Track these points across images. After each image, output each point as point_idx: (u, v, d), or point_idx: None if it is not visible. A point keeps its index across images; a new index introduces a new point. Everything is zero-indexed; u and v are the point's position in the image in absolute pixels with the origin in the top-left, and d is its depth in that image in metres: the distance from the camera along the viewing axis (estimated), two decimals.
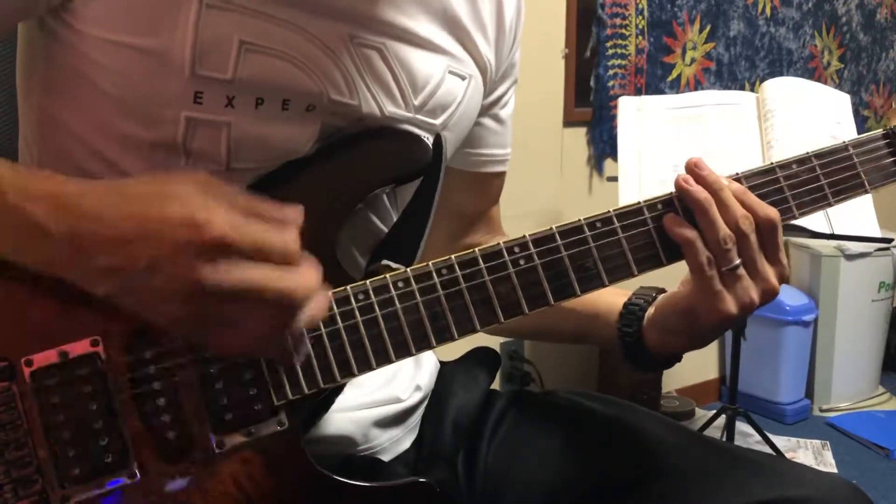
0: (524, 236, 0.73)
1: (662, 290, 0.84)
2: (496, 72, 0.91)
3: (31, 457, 0.63)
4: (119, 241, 0.57)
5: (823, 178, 0.80)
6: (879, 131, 0.83)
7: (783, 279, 0.76)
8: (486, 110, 0.93)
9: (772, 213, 0.74)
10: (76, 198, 0.59)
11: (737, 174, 0.77)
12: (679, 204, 0.75)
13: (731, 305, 0.73)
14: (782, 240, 0.75)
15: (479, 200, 1.02)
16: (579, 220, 0.74)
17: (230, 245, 0.57)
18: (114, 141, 0.72)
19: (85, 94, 0.72)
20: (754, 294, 0.74)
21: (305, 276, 0.61)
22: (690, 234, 0.73)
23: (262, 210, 0.60)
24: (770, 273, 0.74)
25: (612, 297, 0.86)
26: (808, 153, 0.80)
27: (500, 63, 0.91)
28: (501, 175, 1.02)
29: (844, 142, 0.81)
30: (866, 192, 0.81)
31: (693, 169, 0.75)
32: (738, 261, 0.73)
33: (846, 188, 0.81)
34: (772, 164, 0.78)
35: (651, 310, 0.83)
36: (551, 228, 0.73)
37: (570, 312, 0.86)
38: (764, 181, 0.78)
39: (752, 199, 0.75)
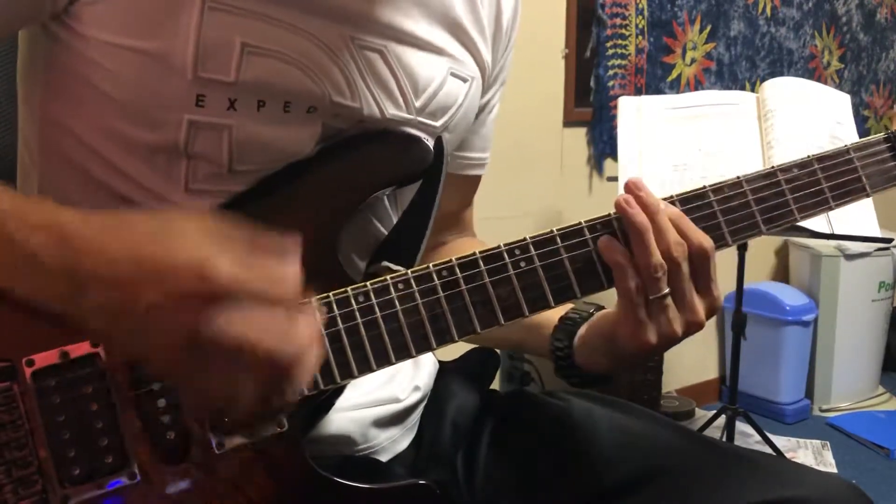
0: (524, 238, 0.73)
1: (601, 308, 0.83)
2: (491, 74, 0.91)
3: (32, 457, 0.63)
4: (119, 281, 0.55)
5: (825, 181, 0.79)
6: (881, 135, 0.83)
7: (713, 311, 0.74)
8: (477, 114, 0.93)
9: (705, 241, 0.73)
10: (76, 230, 0.57)
11: (738, 177, 0.77)
12: (617, 225, 0.74)
13: (651, 336, 0.72)
14: (715, 271, 0.74)
15: (455, 202, 1.01)
16: (580, 222, 0.74)
17: (230, 301, 0.55)
18: (115, 144, 0.72)
19: (86, 96, 0.72)
20: (678, 326, 0.72)
21: (302, 333, 0.58)
22: (622, 259, 0.72)
23: (263, 245, 0.58)
24: (698, 305, 0.73)
25: (551, 310, 0.86)
26: (809, 156, 0.80)
27: (495, 65, 0.92)
28: (479, 178, 1.02)
29: (846, 145, 0.81)
30: (867, 195, 0.81)
31: (632, 189, 0.73)
32: (666, 290, 0.71)
33: (847, 191, 0.80)
34: (773, 167, 0.78)
35: (584, 327, 0.83)
36: (552, 231, 0.73)
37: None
38: (765, 184, 0.78)
39: (688, 224, 0.73)
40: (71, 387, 0.64)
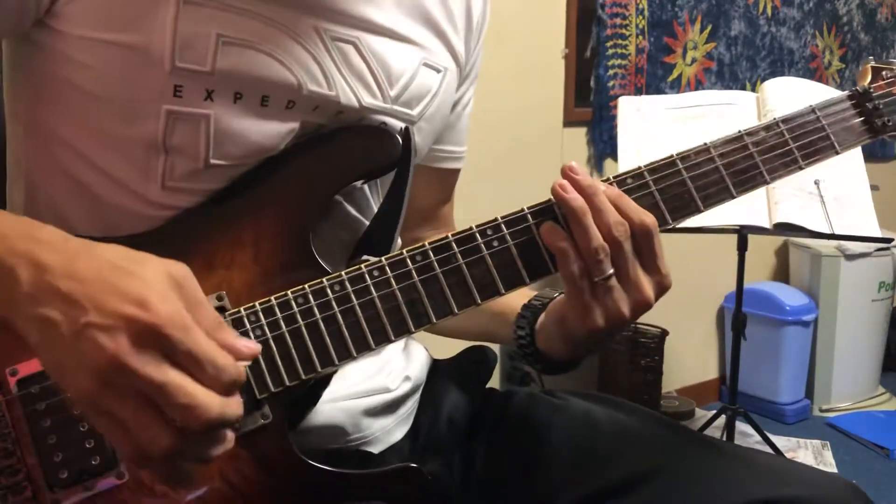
0: (496, 218, 0.73)
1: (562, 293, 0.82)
2: (465, 67, 0.93)
3: (21, 464, 0.63)
4: (65, 296, 0.55)
5: (792, 141, 0.79)
6: (845, 93, 0.83)
7: (662, 289, 0.73)
8: (452, 108, 0.94)
9: (647, 218, 0.72)
10: (48, 245, 0.58)
11: (704, 144, 0.77)
12: (559, 210, 0.73)
13: (599, 318, 0.71)
14: (661, 247, 0.72)
15: (433, 195, 1.02)
16: (522, 208, 0.73)
17: (166, 338, 0.54)
18: (97, 142, 0.73)
19: (67, 96, 0.73)
20: (625, 307, 0.71)
21: (222, 403, 0.56)
22: (563, 243, 0.71)
23: (225, 332, 0.57)
24: (645, 283, 0.72)
25: (516, 298, 0.84)
26: (774, 119, 0.80)
27: (467, 58, 0.93)
28: (456, 172, 1.02)
29: (810, 106, 0.81)
30: (837, 153, 0.81)
31: (568, 173, 0.72)
32: (610, 271, 0.70)
33: (815, 150, 0.80)
34: (739, 132, 0.78)
35: (543, 314, 0.82)
36: (523, 209, 0.73)
37: (479, 310, 0.82)
38: (733, 148, 0.77)
39: (628, 203, 0.72)
40: (55, 392, 0.64)
